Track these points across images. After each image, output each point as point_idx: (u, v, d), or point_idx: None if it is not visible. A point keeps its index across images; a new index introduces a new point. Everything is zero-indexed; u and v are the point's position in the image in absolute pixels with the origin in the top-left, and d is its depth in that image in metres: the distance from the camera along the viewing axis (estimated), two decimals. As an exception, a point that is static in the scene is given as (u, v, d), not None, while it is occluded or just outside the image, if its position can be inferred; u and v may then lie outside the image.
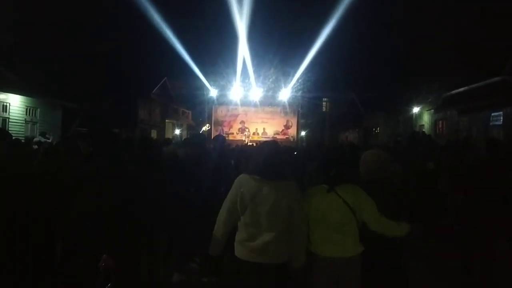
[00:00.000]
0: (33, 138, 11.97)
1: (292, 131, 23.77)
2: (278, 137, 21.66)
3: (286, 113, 23.88)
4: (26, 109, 18.21)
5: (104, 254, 3.14)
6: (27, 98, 17.92)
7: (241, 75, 24.89)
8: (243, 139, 21.84)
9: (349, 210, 3.18)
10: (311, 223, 3.28)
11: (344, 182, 3.28)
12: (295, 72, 25.92)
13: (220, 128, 23.44)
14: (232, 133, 23.29)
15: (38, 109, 18.98)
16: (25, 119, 18.11)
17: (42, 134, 14.44)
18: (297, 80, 26.52)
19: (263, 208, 3.13)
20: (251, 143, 18.00)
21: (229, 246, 3.37)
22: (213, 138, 7.93)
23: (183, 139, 10.06)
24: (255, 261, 3.12)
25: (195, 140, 6.48)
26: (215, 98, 23.94)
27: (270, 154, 3.28)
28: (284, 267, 3.21)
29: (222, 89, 24.70)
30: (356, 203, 3.20)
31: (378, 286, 3.46)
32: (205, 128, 23.24)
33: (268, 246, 3.11)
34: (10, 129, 16.07)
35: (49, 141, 12.10)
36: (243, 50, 23.20)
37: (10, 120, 17.08)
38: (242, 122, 23.46)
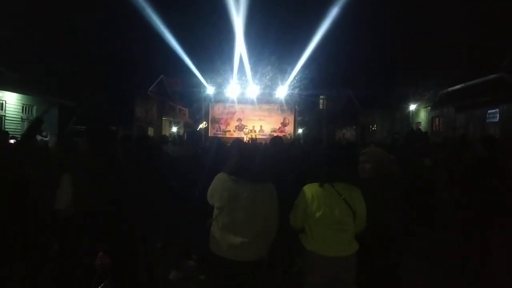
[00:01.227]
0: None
1: (289, 129, 23.79)
2: (275, 134, 21.63)
3: (283, 111, 23.88)
4: (23, 107, 18.14)
5: (100, 252, 3.13)
6: (24, 95, 17.84)
7: (238, 72, 24.86)
8: (242, 136, 21.80)
9: (349, 209, 3.19)
10: (310, 221, 3.28)
11: (343, 181, 3.29)
12: (292, 69, 25.91)
13: (217, 125, 23.45)
14: (229, 131, 23.28)
15: (35, 107, 18.89)
16: (22, 117, 18.02)
17: (39, 132, 14.37)
18: (294, 78, 26.50)
19: (240, 210, 3.17)
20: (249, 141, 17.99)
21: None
22: (210, 139, 7.87)
23: (178, 135, 9.99)
24: (232, 259, 3.15)
25: (192, 138, 6.45)
26: (212, 95, 23.90)
27: (247, 156, 3.33)
28: (259, 263, 3.26)
29: (219, 86, 24.66)
30: (355, 204, 3.21)
31: (373, 284, 3.47)
32: (202, 125, 23.18)
33: (244, 246, 3.15)
34: (6, 127, 16.01)
35: (46, 139, 12.03)
36: (240, 47, 23.17)
37: (6, 118, 17.00)
38: (239, 119, 23.45)
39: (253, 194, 3.20)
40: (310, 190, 3.33)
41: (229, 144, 7.83)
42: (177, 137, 8.20)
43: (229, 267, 3.16)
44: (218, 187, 3.27)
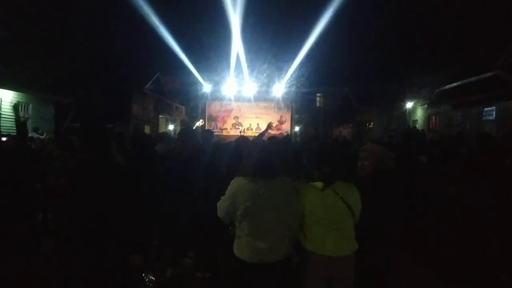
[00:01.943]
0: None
1: (286, 127, 23.74)
2: (272, 132, 21.61)
3: (280, 109, 23.82)
4: (18, 105, 18.05)
5: (130, 255, 3.13)
6: (19, 93, 17.76)
7: (235, 70, 24.81)
8: (238, 134, 21.72)
9: (347, 207, 3.19)
10: (308, 221, 3.26)
11: (340, 179, 3.28)
12: (288, 67, 25.87)
13: (214, 123, 23.37)
14: (226, 129, 23.23)
15: (31, 105, 18.82)
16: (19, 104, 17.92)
17: (35, 130, 14.33)
18: (291, 75, 26.47)
19: (264, 208, 3.12)
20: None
21: (222, 242, 3.38)
22: (201, 133, 7.81)
23: (164, 132, 9.91)
24: (261, 262, 3.11)
25: (188, 136, 6.42)
26: (208, 93, 23.84)
27: (264, 154, 3.29)
28: (287, 261, 3.25)
29: (216, 84, 24.57)
30: (351, 201, 3.21)
31: (371, 281, 3.47)
32: (199, 123, 23.12)
33: (274, 245, 3.12)
34: (1, 125, 15.94)
35: (42, 137, 12.02)
36: (237, 45, 23.13)
37: (2, 116, 16.92)
38: (236, 117, 23.39)
39: (274, 189, 3.17)
40: (307, 190, 3.32)
41: (228, 142, 7.83)
42: (163, 134, 8.15)
43: (259, 271, 3.12)
44: (238, 192, 3.18)
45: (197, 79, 24.80)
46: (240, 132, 21.71)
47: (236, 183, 3.24)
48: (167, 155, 5.73)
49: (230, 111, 23.59)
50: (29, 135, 11.60)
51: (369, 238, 3.33)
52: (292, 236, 3.27)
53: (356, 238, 3.29)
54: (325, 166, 3.30)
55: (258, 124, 23.21)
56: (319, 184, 3.27)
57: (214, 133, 8.41)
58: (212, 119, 23.63)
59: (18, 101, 16.96)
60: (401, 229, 3.85)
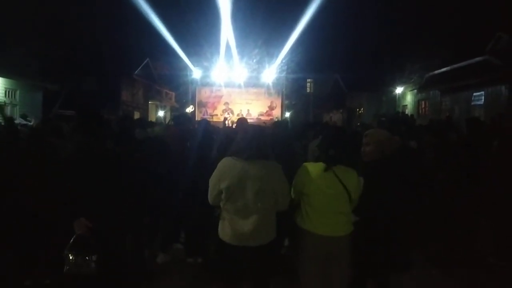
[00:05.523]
0: (14, 121, 11.73)
1: (277, 112, 23.68)
2: (263, 118, 21.57)
3: (270, 94, 23.73)
4: (6, 91, 17.83)
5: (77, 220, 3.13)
6: (6, 79, 17.52)
7: (225, 55, 24.64)
8: (224, 121, 21.61)
9: (345, 191, 3.21)
10: (306, 200, 3.29)
11: (342, 163, 3.29)
12: (279, 52, 25.75)
13: (204, 109, 23.23)
14: (216, 115, 23.11)
15: (18, 91, 18.59)
16: (5, 101, 17.72)
17: (23, 117, 14.15)
18: (281, 61, 26.36)
19: (249, 189, 3.14)
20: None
21: (213, 227, 3.39)
22: (198, 121, 7.84)
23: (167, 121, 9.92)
24: (244, 245, 3.14)
25: (180, 120, 6.41)
26: (198, 79, 23.67)
27: (254, 135, 3.29)
28: (272, 246, 3.26)
29: (206, 70, 24.39)
30: (350, 186, 3.23)
31: (374, 266, 3.50)
32: (189, 109, 22.97)
33: (256, 228, 3.13)
34: (-11, 111, 15.72)
35: (30, 123, 11.88)
36: (227, 30, 22.94)
37: (-10, 101, 16.72)
38: (226, 103, 23.26)
39: (260, 171, 3.17)
40: (310, 169, 3.33)
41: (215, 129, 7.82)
42: (144, 120, 8.13)
43: (240, 253, 3.16)
44: (225, 171, 3.21)
45: (186, 64, 24.63)
46: (227, 120, 21.53)
47: (223, 164, 3.27)
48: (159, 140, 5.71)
49: (220, 97, 23.44)
50: (17, 121, 11.47)
51: (374, 224, 3.34)
52: (274, 219, 3.28)
53: (361, 224, 3.32)
54: (331, 148, 3.30)
55: (248, 110, 23.14)
56: (321, 165, 3.28)
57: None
58: (202, 105, 23.48)
59: (5, 102, 16.98)
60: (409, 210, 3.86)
